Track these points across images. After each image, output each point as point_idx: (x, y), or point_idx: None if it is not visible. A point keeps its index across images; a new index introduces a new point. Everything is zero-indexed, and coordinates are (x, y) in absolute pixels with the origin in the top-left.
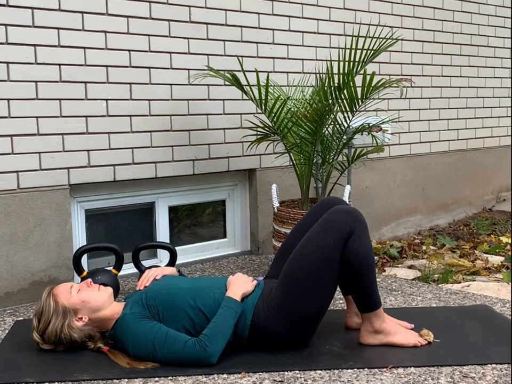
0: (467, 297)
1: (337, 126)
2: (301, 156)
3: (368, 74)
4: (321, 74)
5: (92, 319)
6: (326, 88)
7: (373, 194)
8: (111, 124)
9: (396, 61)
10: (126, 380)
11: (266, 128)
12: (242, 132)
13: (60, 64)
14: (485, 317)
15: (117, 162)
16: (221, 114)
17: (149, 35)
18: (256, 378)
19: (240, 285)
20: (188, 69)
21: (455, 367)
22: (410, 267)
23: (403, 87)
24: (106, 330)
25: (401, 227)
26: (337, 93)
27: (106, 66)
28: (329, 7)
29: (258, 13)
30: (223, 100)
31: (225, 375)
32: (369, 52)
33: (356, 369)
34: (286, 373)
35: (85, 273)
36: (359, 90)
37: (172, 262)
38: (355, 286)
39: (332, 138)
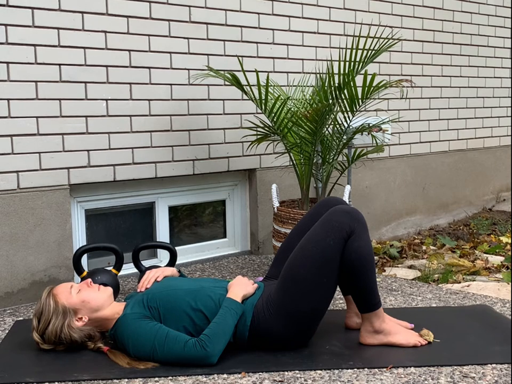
0: (467, 297)
1: (337, 126)
2: (301, 156)
3: (369, 75)
4: (321, 74)
5: (91, 319)
6: (326, 88)
7: (373, 194)
8: (111, 124)
9: (396, 61)
10: (126, 380)
11: (266, 128)
12: (242, 132)
13: (60, 64)
14: (485, 317)
15: (117, 162)
16: (221, 114)
17: (149, 35)
18: (256, 378)
19: (241, 287)
20: (188, 69)
21: (455, 367)
22: (410, 267)
23: (403, 87)
24: (106, 330)
25: (401, 227)
26: (337, 93)
27: (106, 66)
28: (329, 7)
29: (258, 13)
30: (223, 99)
31: (225, 375)
32: (369, 52)
33: (355, 369)
34: (286, 373)
35: (85, 273)
36: (359, 90)
37: (172, 262)
38: (355, 286)
39: (332, 138)
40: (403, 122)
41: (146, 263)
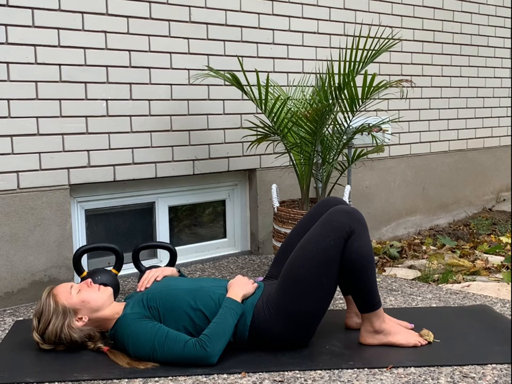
0: (467, 297)
1: (337, 126)
2: (301, 156)
3: (369, 75)
4: (321, 74)
5: (91, 319)
6: (326, 88)
7: (373, 194)
8: (111, 124)
9: (396, 61)
10: (126, 380)
11: (266, 128)
12: (242, 132)
13: (60, 64)
14: (485, 317)
15: (117, 162)
16: (221, 114)
17: (149, 35)
18: (256, 378)
19: (240, 287)
20: (188, 69)
21: (455, 367)
22: (410, 267)
23: (403, 87)
24: (106, 330)
25: (401, 227)
26: (337, 93)
27: (106, 66)
28: (329, 7)
29: (258, 13)
30: (223, 99)
31: (225, 375)
32: (369, 52)
33: (355, 369)
34: (286, 373)
35: (85, 273)
36: (359, 90)
37: (172, 262)
38: (355, 286)
39: (332, 138)
40: (403, 122)
41: (146, 263)
